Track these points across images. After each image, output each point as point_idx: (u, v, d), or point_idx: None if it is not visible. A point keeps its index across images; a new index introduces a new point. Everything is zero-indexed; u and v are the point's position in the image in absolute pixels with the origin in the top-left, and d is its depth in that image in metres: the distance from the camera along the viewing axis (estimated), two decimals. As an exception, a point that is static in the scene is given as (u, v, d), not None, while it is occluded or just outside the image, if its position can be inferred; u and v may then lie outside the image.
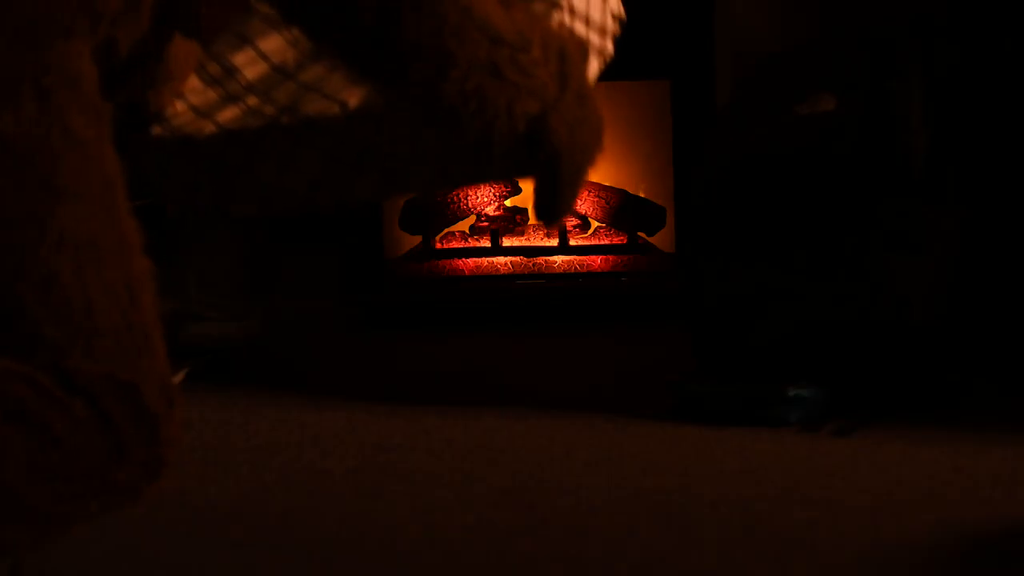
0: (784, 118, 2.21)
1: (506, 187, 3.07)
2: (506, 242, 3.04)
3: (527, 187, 3.12)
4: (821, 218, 2.12)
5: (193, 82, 1.93)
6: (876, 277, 2.08)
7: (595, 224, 3.13)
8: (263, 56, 1.85)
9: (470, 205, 3.03)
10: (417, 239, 3.05)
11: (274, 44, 1.84)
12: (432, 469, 1.83)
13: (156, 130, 1.86)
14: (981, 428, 1.96)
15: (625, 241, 3.07)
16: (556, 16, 1.93)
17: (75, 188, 1.41)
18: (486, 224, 3.05)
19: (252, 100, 1.84)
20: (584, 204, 3.07)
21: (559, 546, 1.50)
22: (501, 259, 3.02)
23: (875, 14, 2.30)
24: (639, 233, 3.08)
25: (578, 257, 3.05)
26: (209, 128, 1.85)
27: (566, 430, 2.02)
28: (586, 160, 1.93)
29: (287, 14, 1.74)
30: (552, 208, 1.85)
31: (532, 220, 3.15)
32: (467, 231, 3.06)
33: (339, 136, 1.84)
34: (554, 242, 3.06)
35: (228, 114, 1.86)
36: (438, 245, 3.03)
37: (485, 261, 3.02)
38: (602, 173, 3.18)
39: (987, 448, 1.85)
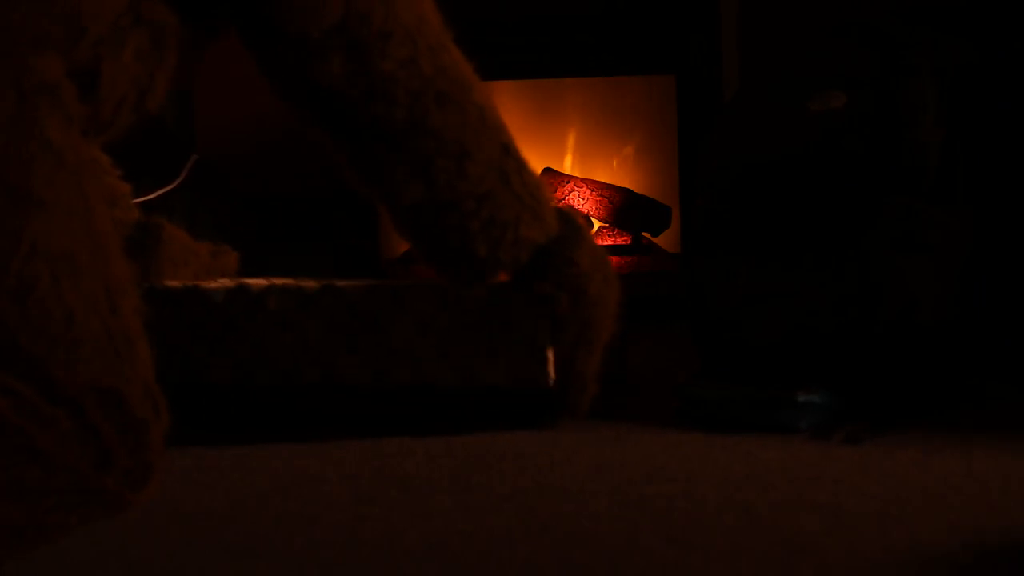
0: (792, 115, 2.21)
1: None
2: (506, 242, 3.03)
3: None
4: (829, 217, 2.12)
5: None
6: (885, 278, 2.08)
7: (598, 224, 3.13)
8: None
9: (469, 204, 3.03)
10: (414, 239, 3.04)
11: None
12: (430, 475, 1.83)
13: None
14: (994, 433, 1.96)
15: (629, 242, 3.07)
16: None
17: (49, 197, 1.41)
18: (486, 224, 3.04)
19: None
20: (587, 203, 3.07)
21: (560, 553, 1.50)
22: (501, 260, 3.01)
23: (887, 9, 2.31)
24: (644, 233, 3.08)
25: (580, 258, 3.04)
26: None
27: (567, 434, 2.02)
28: (607, 317, 1.96)
29: (319, 112, 1.77)
30: (572, 385, 1.90)
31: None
32: (466, 231, 3.05)
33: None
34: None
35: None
36: (436, 245, 3.02)
37: (485, 262, 3.01)
38: (605, 171, 3.18)
39: (1000, 453, 1.85)
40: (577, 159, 3.20)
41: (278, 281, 2.13)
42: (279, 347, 2.07)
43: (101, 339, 1.41)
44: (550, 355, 2.02)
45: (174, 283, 2.10)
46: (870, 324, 2.07)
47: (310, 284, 2.08)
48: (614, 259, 3.03)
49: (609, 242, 3.06)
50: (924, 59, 2.17)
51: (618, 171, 3.17)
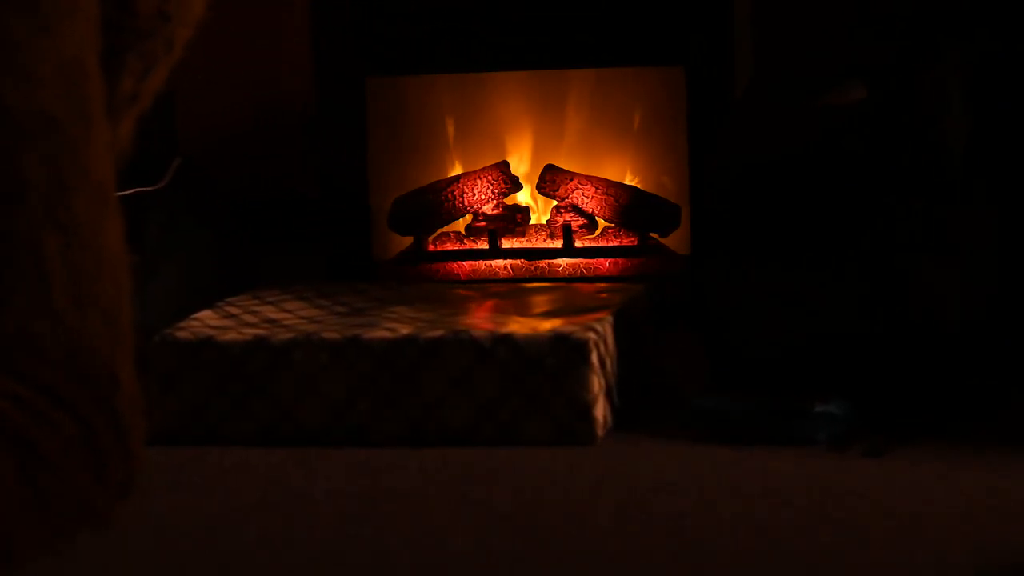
0: (808, 108, 2.21)
1: (505, 183, 3.06)
2: (505, 244, 3.03)
3: (529, 184, 3.11)
4: (848, 217, 2.12)
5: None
6: (907, 282, 2.08)
7: (603, 224, 3.13)
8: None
9: (466, 203, 3.03)
10: (408, 240, 3.04)
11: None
12: (424, 490, 1.83)
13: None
14: (1021, 445, 1.96)
15: (636, 243, 3.07)
16: None
17: (76, 182, 1.40)
18: (484, 224, 3.04)
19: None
20: (591, 202, 3.07)
21: (563, 575, 1.50)
22: (500, 262, 3.01)
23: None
24: (651, 234, 3.08)
25: (584, 260, 3.04)
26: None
27: (570, 448, 2.01)
28: None
29: None
30: None
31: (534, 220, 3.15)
32: (463, 232, 3.06)
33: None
34: (558, 244, 3.06)
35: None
36: (431, 247, 3.03)
37: (483, 264, 3.01)
38: (611, 168, 3.18)
39: (1029, 468, 1.85)
40: (581, 155, 3.19)
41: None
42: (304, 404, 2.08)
43: (114, 329, 1.40)
44: (596, 412, 2.03)
45: (185, 334, 2.10)
46: (893, 329, 2.07)
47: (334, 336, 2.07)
48: (620, 261, 3.03)
49: (615, 243, 3.06)
50: (948, 49, 2.17)
51: (624, 168, 3.16)
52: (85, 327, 1.39)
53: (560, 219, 3.09)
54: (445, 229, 3.06)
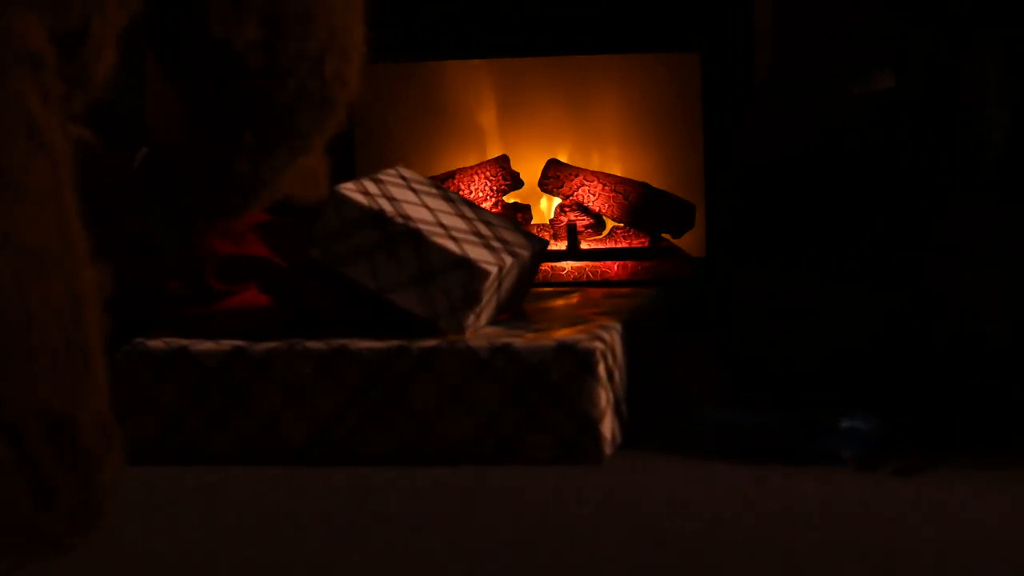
0: (833, 98, 2.21)
1: (505, 180, 3.06)
2: (505, 244, 3.03)
3: (530, 182, 3.11)
4: (875, 217, 2.12)
5: None
6: (940, 287, 2.08)
7: (611, 224, 3.13)
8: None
9: (463, 201, 3.03)
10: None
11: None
12: (419, 513, 1.83)
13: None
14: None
15: (647, 244, 3.07)
16: None
17: (25, 181, 1.40)
18: (482, 223, 3.04)
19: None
20: (598, 200, 3.07)
21: (567, 605, 1.50)
22: (499, 265, 3.01)
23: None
24: (663, 235, 3.08)
25: (591, 263, 3.04)
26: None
27: (575, 466, 2.01)
28: None
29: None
30: None
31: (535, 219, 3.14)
32: (460, 232, 3.05)
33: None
34: (562, 245, 3.06)
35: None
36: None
37: (481, 267, 3.01)
38: (619, 163, 3.18)
39: (1074, 489, 1.85)
40: (588, 148, 3.19)
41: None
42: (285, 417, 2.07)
43: (59, 354, 1.40)
44: (604, 427, 2.02)
45: (158, 344, 2.10)
46: (925, 338, 2.07)
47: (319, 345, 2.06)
48: (629, 264, 3.03)
49: (624, 244, 3.06)
50: (985, 35, 2.17)
51: (634, 163, 3.17)
52: (47, 337, 1.38)
53: (564, 218, 3.09)
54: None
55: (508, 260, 2.09)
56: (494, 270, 2.04)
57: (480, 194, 3.02)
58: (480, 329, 2.09)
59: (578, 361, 2.01)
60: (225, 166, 1.85)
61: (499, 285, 2.08)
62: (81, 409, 1.40)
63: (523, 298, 2.24)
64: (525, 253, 2.14)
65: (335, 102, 1.84)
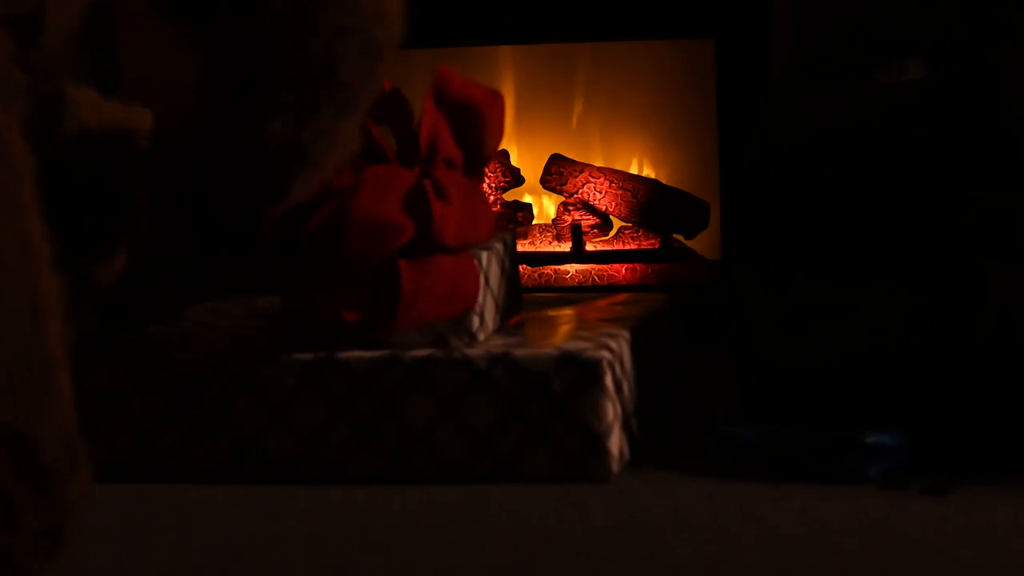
0: (859, 88, 2.22)
1: (504, 176, 3.06)
2: (505, 246, 3.03)
3: (531, 180, 3.12)
4: (902, 214, 2.12)
5: None
6: (976, 290, 2.08)
7: (618, 224, 3.13)
8: None
9: (460, 199, 3.03)
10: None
11: None
12: (411, 535, 1.82)
13: None
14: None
15: (657, 246, 3.07)
16: None
17: None
18: (480, 223, 3.04)
19: None
20: (604, 198, 3.07)
21: (571, 635, 1.50)
22: (499, 268, 3.02)
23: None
24: (675, 235, 3.08)
25: (597, 266, 3.04)
26: None
27: (579, 484, 2.01)
28: None
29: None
30: None
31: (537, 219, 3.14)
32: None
33: None
34: (566, 247, 3.06)
35: None
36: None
37: (480, 270, 3.01)
38: (628, 158, 3.18)
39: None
40: (594, 143, 3.20)
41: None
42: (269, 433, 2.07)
43: (18, 368, 1.40)
44: (611, 444, 2.02)
45: (132, 352, 2.10)
46: (958, 347, 2.07)
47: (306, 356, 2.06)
48: (638, 267, 3.03)
49: (632, 246, 3.07)
50: (1020, 21, 2.17)
51: (644, 158, 3.17)
52: (5, 349, 1.38)
53: (568, 218, 3.09)
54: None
55: (483, 255, 2.09)
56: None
57: (478, 192, 3.02)
58: (489, 333, 2.09)
59: (583, 371, 2.01)
60: (256, 136, 1.80)
61: (487, 282, 2.08)
62: (42, 425, 1.40)
63: (520, 300, 2.24)
64: (499, 246, 2.15)
65: (378, 43, 1.80)
